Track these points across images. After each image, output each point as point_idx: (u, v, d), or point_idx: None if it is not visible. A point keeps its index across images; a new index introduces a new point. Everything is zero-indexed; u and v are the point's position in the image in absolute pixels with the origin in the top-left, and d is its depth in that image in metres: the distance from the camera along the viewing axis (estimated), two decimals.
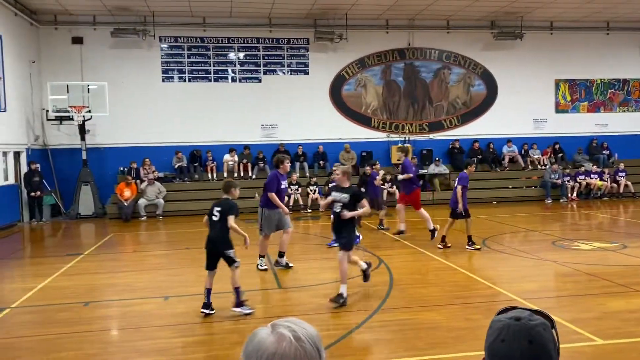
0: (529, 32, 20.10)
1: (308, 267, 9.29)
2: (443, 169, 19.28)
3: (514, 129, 20.55)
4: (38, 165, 16.41)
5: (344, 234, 6.77)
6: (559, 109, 21.21)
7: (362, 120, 20.11)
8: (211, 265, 6.46)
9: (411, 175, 11.20)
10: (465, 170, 10.15)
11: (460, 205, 9.76)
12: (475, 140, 20.16)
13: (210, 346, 5.50)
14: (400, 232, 11.59)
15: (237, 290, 6.37)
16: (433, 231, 10.96)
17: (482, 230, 11.89)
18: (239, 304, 6.38)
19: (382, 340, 5.69)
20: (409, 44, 20.18)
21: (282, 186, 8.82)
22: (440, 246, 10.14)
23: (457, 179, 10.20)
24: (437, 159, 19.44)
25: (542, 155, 20.18)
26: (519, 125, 20.63)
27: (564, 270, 8.39)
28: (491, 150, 20.19)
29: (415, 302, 6.88)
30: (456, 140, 20.12)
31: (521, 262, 9.24)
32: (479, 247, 10.08)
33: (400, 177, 11.41)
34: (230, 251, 6.38)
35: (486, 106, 20.80)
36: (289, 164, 9.09)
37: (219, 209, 6.45)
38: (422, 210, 11.35)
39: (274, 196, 8.57)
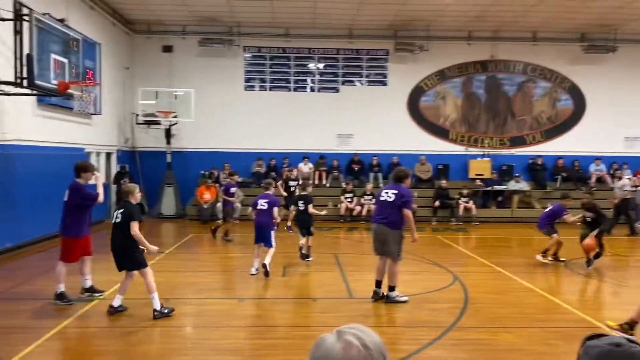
0: (623, 45, 19.00)
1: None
2: (523, 185, 18.55)
3: (603, 147, 19.42)
4: (126, 166, 17.46)
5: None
6: None
7: (440, 132, 19.77)
8: None
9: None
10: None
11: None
12: (560, 157, 19.25)
13: (285, 350, 5.59)
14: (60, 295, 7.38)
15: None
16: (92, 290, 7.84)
17: (565, 252, 11.29)
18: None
19: (456, 359, 5.55)
20: (492, 56, 19.65)
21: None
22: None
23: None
24: (517, 175, 18.74)
25: (634, 176, 18.86)
26: (608, 143, 19.48)
27: None
28: (577, 168, 19.18)
29: (492, 323, 6.65)
30: (539, 156, 19.30)
31: (609, 288, 8.70)
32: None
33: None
34: None
35: (573, 122, 19.85)
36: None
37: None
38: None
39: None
